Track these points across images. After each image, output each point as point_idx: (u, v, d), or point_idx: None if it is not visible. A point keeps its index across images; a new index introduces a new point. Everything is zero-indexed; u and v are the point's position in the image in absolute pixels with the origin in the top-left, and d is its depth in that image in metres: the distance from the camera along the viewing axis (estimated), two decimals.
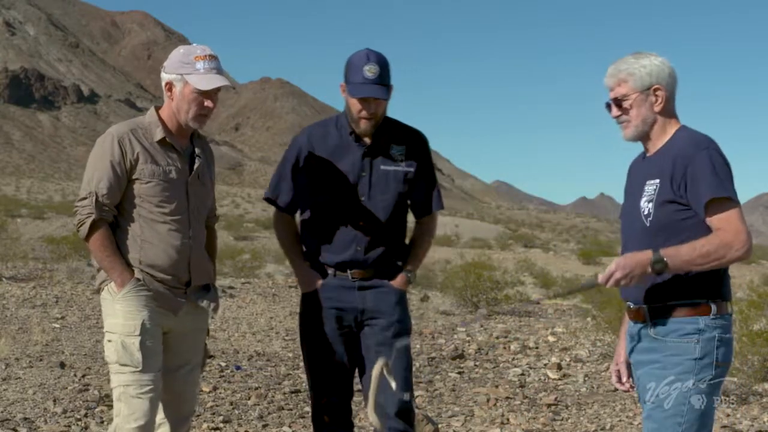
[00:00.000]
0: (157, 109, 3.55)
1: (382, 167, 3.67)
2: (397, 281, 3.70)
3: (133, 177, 3.41)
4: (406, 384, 3.65)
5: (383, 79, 3.55)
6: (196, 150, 3.56)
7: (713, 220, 2.85)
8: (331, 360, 3.69)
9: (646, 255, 2.84)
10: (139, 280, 3.39)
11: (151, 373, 3.38)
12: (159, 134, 3.45)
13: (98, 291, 3.50)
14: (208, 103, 3.43)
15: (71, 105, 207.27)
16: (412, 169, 3.70)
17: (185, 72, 3.40)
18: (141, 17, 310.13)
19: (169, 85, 3.45)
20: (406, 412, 3.64)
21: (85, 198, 3.39)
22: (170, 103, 3.48)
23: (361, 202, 3.65)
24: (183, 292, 3.49)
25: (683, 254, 2.82)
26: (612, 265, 2.86)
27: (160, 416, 3.53)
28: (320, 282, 3.68)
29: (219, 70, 3.44)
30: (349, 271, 3.66)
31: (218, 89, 3.43)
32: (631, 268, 2.84)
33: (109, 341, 3.42)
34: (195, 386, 3.65)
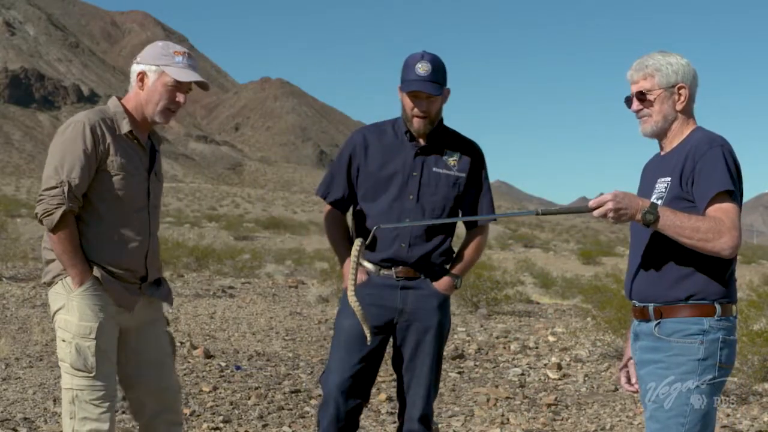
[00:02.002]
0: (119, 99, 3.46)
1: (434, 169, 3.66)
2: (441, 284, 3.68)
3: (101, 168, 3.30)
4: (430, 389, 3.73)
5: (435, 77, 3.55)
6: (155, 146, 3.51)
7: (711, 210, 2.83)
8: (360, 358, 3.66)
9: (644, 201, 2.83)
10: (97, 278, 3.30)
11: (105, 378, 3.30)
12: (126, 126, 3.36)
13: (49, 284, 3.36)
14: (179, 97, 3.38)
15: (71, 105, 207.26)
16: (463, 175, 3.68)
17: (164, 63, 3.35)
18: (141, 17, 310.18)
19: (142, 76, 3.38)
20: (427, 418, 3.72)
21: (55, 187, 3.23)
22: (138, 94, 3.39)
23: (409, 200, 3.63)
24: (138, 287, 3.41)
25: (677, 219, 2.80)
26: (608, 194, 2.82)
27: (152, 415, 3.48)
28: (365, 278, 3.65)
29: (195, 68, 3.40)
30: (393, 269, 3.64)
31: (190, 87, 3.39)
32: (626, 205, 2.80)
33: (63, 341, 3.31)
34: (172, 375, 3.55)
